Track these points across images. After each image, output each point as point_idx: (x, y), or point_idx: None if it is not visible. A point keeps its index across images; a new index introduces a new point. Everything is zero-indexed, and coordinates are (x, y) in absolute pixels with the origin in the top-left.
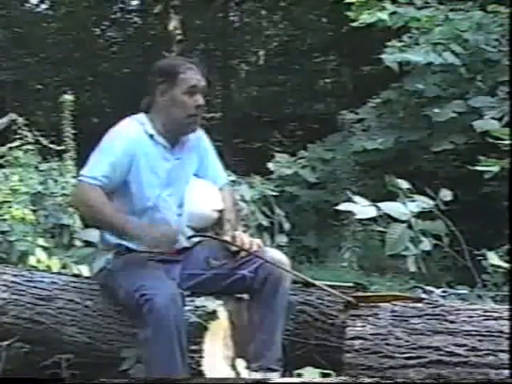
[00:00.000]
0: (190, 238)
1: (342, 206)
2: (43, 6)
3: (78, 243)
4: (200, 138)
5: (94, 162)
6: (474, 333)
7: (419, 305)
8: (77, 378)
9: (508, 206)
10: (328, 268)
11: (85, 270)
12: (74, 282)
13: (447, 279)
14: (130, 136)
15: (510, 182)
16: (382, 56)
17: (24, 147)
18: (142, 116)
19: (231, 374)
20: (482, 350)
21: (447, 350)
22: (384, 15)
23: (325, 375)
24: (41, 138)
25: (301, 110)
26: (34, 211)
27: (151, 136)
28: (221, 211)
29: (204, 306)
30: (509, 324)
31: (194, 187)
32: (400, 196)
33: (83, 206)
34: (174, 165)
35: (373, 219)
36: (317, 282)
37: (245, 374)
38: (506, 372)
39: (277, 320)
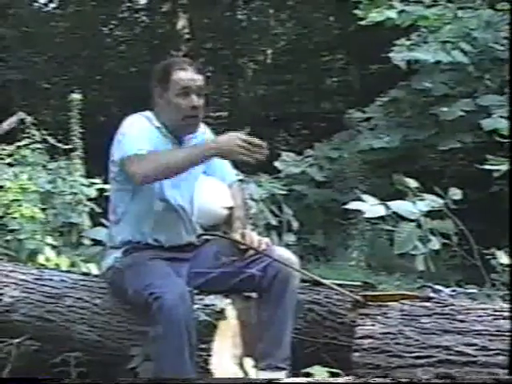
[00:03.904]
0: (199, 236)
1: (351, 205)
2: (51, 6)
3: (86, 242)
4: (206, 135)
5: (129, 142)
6: (483, 332)
7: (428, 304)
8: (85, 376)
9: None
10: (336, 267)
11: (94, 269)
12: (83, 281)
13: (456, 278)
14: (145, 128)
15: (510, 181)
16: (390, 54)
17: (32, 146)
18: (147, 112)
19: (239, 373)
20: (492, 350)
21: (457, 349)
22: (392, 13)
23: (333, 374)
24: (48, 137)
25: (308, 108)
26: (44, 210)
27: (158, 128)
28: (230, 209)
29: (213, 305)
30: (510, 323)
31: (203, 185)
32: (408, 195)
33: (151, 169)
34: None
35: (381, 218)
36: (325, 281)
37: (252, 372)
38: None
39: (285, 319)
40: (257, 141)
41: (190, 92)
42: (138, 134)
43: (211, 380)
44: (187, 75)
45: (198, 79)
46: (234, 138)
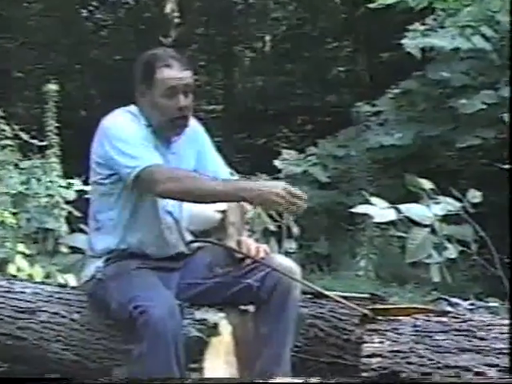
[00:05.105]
0: (189, 243)
1: (358, 209)
2: None
3: (63, 249)
4: (197, 132)
5: (138, 151)
6: (506, 351)
7: (444, 319)
8: None
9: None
10: (341, 277)
11: (72, 280)
12: (60, 293)
13: (475, 290)
14: (137, 128)
15: (510, 182)
16: (403, 41)
17: (2, 142)
18: (132, 108)
19: None
20: None
21: (476, 370)
22: None
23: None
24: (21, 133)
25: (310, 101)
26: (15, 214)
27: (146, 126)
28: (224, 212)
29: (205, 319)
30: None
31: None
32: (422, 197)
33: (173, 184)
34: (170, 160)
35: (392, 223)
36: (329, 293)
37: None
38: None
39: (286, 334)
40: (299, 192)
41: (176, 92)
42: (140, 139)
43: (209, 380)
44: (173, 73)
45: (185, 76)
46: (279, 188)
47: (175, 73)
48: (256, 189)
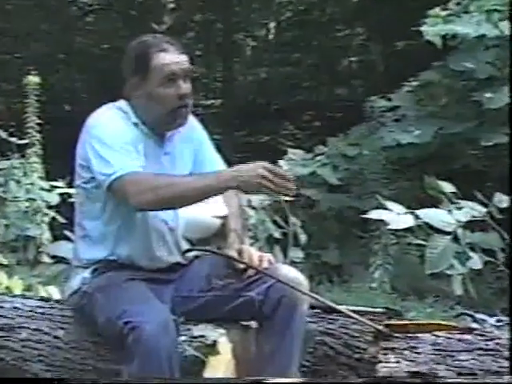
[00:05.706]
0: (185, 252)
1: (372, 214)
2: None
3: (46, 259)
4: (193, 129)
5: (116, 156)
6: None
7: (468, 337)
8: None
9: None
10: (354, 289)
11: (55, 292)
12: (42, 308)
13: (503, 305)
14: (125, 128)
15: (510, 182)
16: (422, 28)
17: None
18: (122, 103)
19: None
20: None
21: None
22: None
23: None
24: None
25: (319, 95)
26: None
27: (136, 125)
28: (224, 218)
29: (203, 336)
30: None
31: None
32: (443, 202)
33: (153, 197)
34: (163, 161)
35: (409, 230)
36: (340, 307)
37: None
38: None
39: (291, 352)
40: (283, 172)
41: (175, 78)
42: (121, 142)
43: (206, 380)
44: (170, 58)
45: (183, 60)
46: (258, 167)
47: (173, 57)
48: (237, 175)
